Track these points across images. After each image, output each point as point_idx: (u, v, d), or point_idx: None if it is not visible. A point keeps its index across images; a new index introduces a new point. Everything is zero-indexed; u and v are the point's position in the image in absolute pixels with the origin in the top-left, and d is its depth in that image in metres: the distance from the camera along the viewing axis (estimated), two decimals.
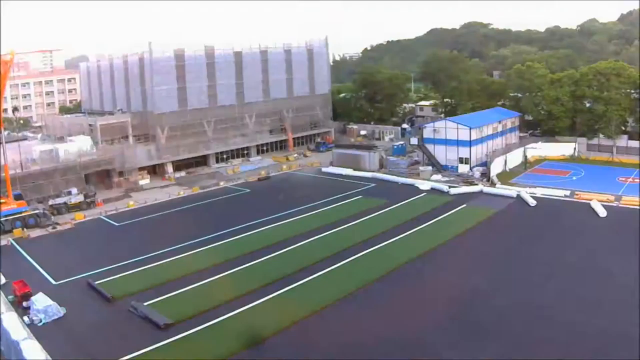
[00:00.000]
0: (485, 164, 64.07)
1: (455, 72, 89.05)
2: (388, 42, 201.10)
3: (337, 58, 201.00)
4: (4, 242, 45.44)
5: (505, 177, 61.55)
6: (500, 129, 71.96)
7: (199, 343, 27.60)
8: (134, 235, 47.71)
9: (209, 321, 29.47)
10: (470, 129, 65.03)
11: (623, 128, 71.88)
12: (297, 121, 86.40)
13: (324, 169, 71.12)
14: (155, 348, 27.06)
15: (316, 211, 51.45)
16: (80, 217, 52.50)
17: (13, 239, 46.29)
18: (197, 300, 32.45)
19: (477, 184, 58.81)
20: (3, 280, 36.81)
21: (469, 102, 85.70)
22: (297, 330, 28.54)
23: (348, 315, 29.93)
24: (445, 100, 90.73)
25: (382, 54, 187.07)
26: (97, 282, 35.54)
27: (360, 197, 56.68)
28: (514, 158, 67.80)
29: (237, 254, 40.05)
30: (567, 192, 53.66)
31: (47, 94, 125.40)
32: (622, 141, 69.78)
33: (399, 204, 52.71)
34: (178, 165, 71.71)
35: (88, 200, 55.78)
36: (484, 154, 67.11)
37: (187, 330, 28.61)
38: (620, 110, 69.18)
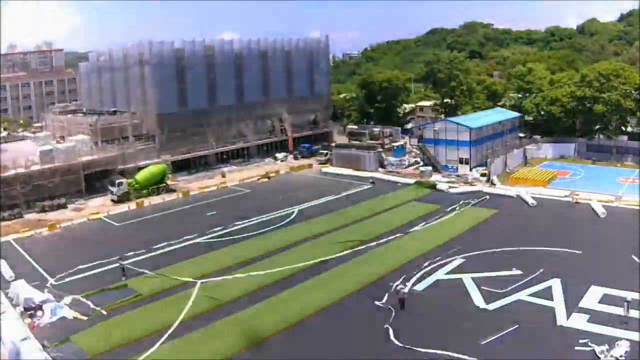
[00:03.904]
0: (486, 165, 64.05)
1: (456, 72, 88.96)
2: (388, 42, 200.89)
3: (337, 58, 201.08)
4: (3, 240, 45.65)
5: (505, 177, 61.56)
6: (500, 129, 71.92)
7: None
8: (133, 235, 47.57)
9: None
10: (470, 129, 65.01)
11: (623, 129, 71.84)
12: (297, 121, 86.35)
13: (324, 169, 71.17)
14: None
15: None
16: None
17: (13, 239, 46.36)
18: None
19: (476, 184, 58.81)
20: (11, 274, 36.96)
21: (469, 103, 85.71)
22: None
23: None
24: (445, 100, 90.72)
25: (382, 54, 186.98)
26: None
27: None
28: (514, 158, 67.80)
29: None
30: (567, 192, 53.65)
31: (47, 94, 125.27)
32: (622, 142, 69.76)
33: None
34: (178, 166, 71.70)
35: None
36: (484, 155, 67.09)
37: None
38: (620, 111, 69.13)
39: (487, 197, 54.27)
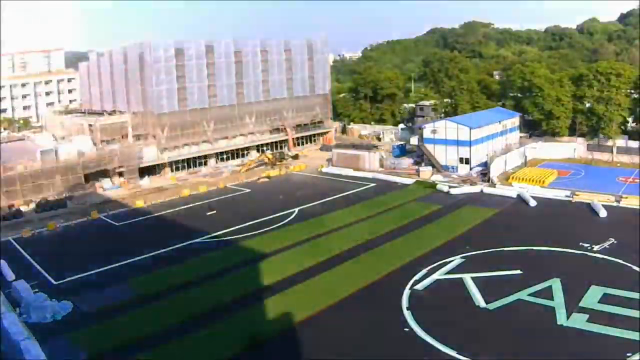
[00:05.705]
0: (486, 164, 64.02)
1: (455, 72, 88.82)
2: (388, 42, 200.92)
3: (337, 58, 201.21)
4: (3, 239, 45.64)
5: (506, 177, 61.46)
6: (500, 129, 71.78)
7: None
8: (133, 235, 47.61)
9: None
10: (470, 129, 64.96)
11: (623, 128, 71.82)
12: (297, 121, 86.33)
13: (324, 169, 71.20)
14: None
15: None
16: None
17: (13, 238, 46.33)
18: None
19: (477, 184, 58.78)
20: (11, 274, 36.91)
21: (468, 102, 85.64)
22: None
23: None
24: (445, 100, 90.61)
25: (382, 54, 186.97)
26: None
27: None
28: (514, 158, 67.78)
29: None
30: (568, 192, 53.60)
31: (47, 94, 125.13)
32: (622, 141, 69.70)
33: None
34: (178, 166, 71.77)
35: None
36: (484, 154, 67.04)
37: None
38: (620, 110, 69.10)
39: (488, 197, 54.23)
